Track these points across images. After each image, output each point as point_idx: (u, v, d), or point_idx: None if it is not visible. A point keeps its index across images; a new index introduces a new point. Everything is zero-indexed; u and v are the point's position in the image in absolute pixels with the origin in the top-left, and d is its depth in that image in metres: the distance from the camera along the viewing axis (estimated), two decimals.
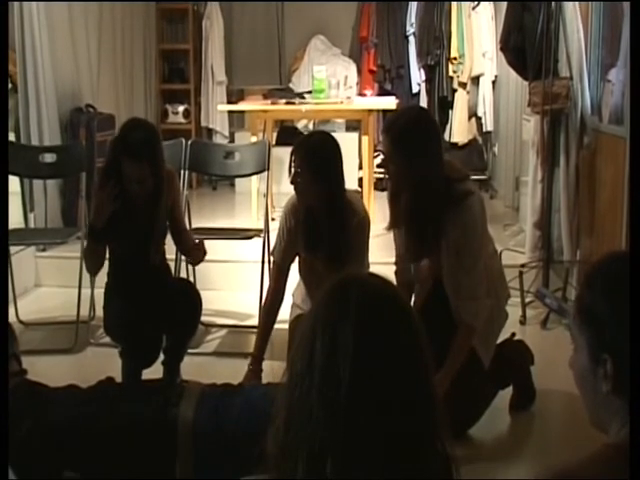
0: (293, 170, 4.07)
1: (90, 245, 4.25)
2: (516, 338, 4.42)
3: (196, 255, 4.47)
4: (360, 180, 7.91)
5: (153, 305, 4.17)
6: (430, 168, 3.67)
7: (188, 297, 4.33)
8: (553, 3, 5.57)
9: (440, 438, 1.54)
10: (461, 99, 9.44)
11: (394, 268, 4.13)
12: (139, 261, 4.29)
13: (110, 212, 4.10)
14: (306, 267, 4.37)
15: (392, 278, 3.95)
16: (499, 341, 4.13)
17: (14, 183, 6.17)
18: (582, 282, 1.59)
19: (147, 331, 4.14)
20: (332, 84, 7.79)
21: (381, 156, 8.95)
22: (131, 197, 4.13)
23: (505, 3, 6.42)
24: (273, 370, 4.78)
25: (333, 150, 4.11)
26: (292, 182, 4.10)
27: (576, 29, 5.57)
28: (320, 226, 4.14)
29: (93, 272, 4.53)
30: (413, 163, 3.64)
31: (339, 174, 4.12)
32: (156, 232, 4.34)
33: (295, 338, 1.59)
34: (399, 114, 3.90)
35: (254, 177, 6.75)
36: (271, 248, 4.48)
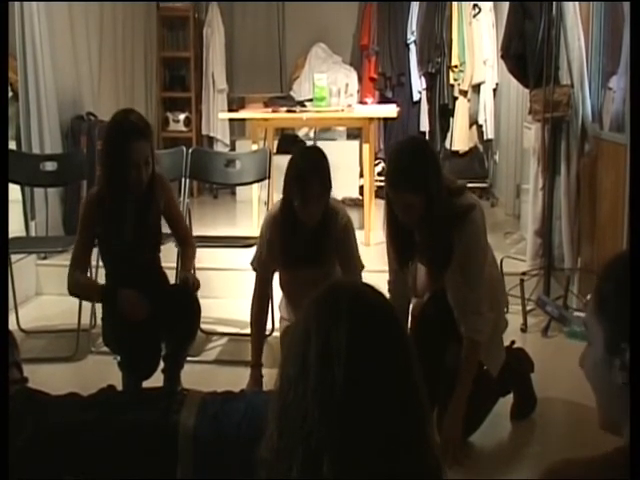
0: (307, 196, 4.08)
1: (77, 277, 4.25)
2: (517, 346, 4.41)
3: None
4: (361, 188, 7.92)
5: (151, 314, 4.16)
6: (440, 196, 3.66)
7: (186, 303, 4.32)
8: (554, 11, 5.57)
9: (429, 438, 1.56)
10: (462, 107, 9.45)
11: (387, 279, 4.12)
12: (133, 268, 4.29)
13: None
14: (287, 278, 4.39)
15: (385, 286, 3.96)
16: None
17: (15, 191, 6.16)
18: (600, 274, 1.57)
19: (146, 343, 4.14)
20: (333, 92, 7.78)
21: (382, 164, 9.03)
22: (129, 188, 4.18)
23: (506, 11, 6.42)
24: (273, 378, 4.78)
25: (328, 163, 4.17)
26: (311, 210, 4.11)
27: (577, 36, 5.58)
28: (305, 239, 4.16)
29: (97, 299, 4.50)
30: (426, 200, 3.62)
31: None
32: (148, 230, 4.36)
33: (284, 345, 1.62)
34: (398, 160, 3.80)
35: (255, 185, 6.74)
36: (251, 260, 4.49)
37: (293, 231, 4.19)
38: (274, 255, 4.28)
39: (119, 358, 4.29)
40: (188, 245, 4.61)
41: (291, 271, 4.33)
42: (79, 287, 4.28)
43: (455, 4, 9.27)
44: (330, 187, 4.14)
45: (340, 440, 1.48)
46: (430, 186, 3.61)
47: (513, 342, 4.36)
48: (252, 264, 4.45)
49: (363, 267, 4.35)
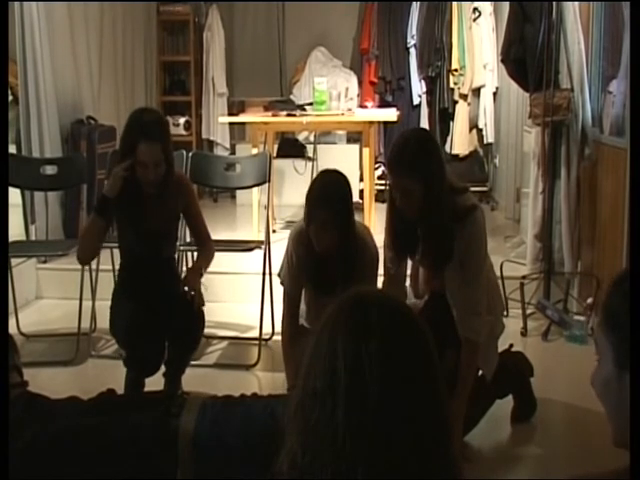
0: (314, 221, 3.90)
1: (95, 220, 4.24)
2: (517, 349, 4.41)
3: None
4: (361, 192, 7.92)
5: (159, 311, 4.16)
6: (441, 189, 3.65)
7: (191, 315, 4.29)
8: (554, 14, 5.57)
9: (454, 447, 1.55)
10: (462, 111, 9.44)
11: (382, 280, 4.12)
12: (148, 259, 4.31)
13: (123, 183, 4.18)
14: (318, 303, 4.26)
15: None
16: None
17: (15, 195, 6.17)
18: (608, 289, 1.56)
19: (150, 336, 4.13)
20: (333, 96, 7.79)
21: (382, 168, 9.03)
22: (142, 185, 4.22)
23: (506, 15, 6.43)
24: (274, 382, 4.78)
25: (347, 191, 3.97)
26: (319, 238, 3.97)
27: (577, 41, 5.58)
28: (332, 267, 4.06)
29: (85, 259, 4.53)
30: (426, 189, 3.61)
31: (352, 214, 4.04)
32: (165, 226, 4.37)
33: (305, 359, 1.58)
34: (402, 145, 3.78)
35: (255, 189, 6.75)
36: (278, 271, 4.34)
37: (318, 253, 4.06)
38: (301, 271, 4.18)
39: (124, 354, 4.29)
40: (205, 248, 4.62)
41: (324, 297, 4.19)
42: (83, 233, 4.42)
43: (455, 8, 9.27)
44: (345, 215, 3.93)
45: (372, 455, 1.45)
46: (429, 173, 3.59)
47: (511, 345, 4.36)
48: (279, 275, 4.34)
49: None
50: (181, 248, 4.93)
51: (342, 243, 3.96)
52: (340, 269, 4.01)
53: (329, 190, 3.94)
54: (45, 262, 6.61)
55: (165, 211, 4.34)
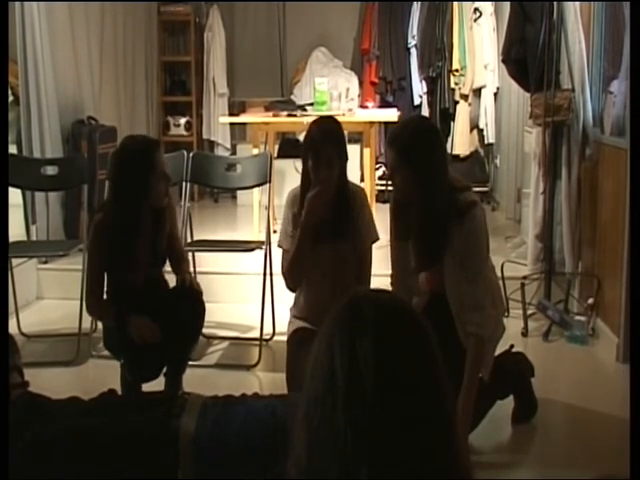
0: (319, 158, 4.07)
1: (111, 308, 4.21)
2: (518, 350, 4.40)
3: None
4: None
5: (154, 315, 4.14)
6: (437, 178, 3.66)
7: (191, 303, 4.29)
8: (555, 15, 5.57)
9: (459, 443, 1.54)
10: (463, 111, 9.44)
11: (390, 280, 4.11)
12: (141, 284, 4.28)
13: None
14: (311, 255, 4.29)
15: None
16: (498, 352, 4.10)
17: (16, 195, 6.16)
18: None
19: (149, 348, 4.11)
20: (334, 96, 7.78)
21: (383, 168, 9.03)
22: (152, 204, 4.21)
23: (507, 15, 6.42)
24: (274, 382, 4.77)
25: (343, 131, 4.22)
26: (322, 174, 4.11)
27: (578, 41, 5.58)
28: (328, 209, 4.15)
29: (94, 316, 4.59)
30: (421, 174, 3.62)
31: (347, 156, 4.23)
32: (160, 247, 4.36)
33: (309, 362, 1.58)
34: (403, 125, 3.85)
35: (256, 189, 6.73)
36: (278, 239, 4.39)
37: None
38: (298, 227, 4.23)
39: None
40: (182, 271, 4.54)
41: (316, 245, 4.25)
42: (96, 311, 4.35)
43: (456, 8, 9.27)
44: (344, 156, 4.16)
45: (375, 455, 1.45)
46: (423, 163, 3.62)
47: (512, 346, 4.34)
48: (279, 245, 4.38)
49: (378, 238, 4.32)
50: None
51: (339, 185, 4.17)
52: (339, 213, 4.17)
53: (331, 131, 4.16)
54: (46, 262, 6.60)
55: (164, 227, 4.33)
